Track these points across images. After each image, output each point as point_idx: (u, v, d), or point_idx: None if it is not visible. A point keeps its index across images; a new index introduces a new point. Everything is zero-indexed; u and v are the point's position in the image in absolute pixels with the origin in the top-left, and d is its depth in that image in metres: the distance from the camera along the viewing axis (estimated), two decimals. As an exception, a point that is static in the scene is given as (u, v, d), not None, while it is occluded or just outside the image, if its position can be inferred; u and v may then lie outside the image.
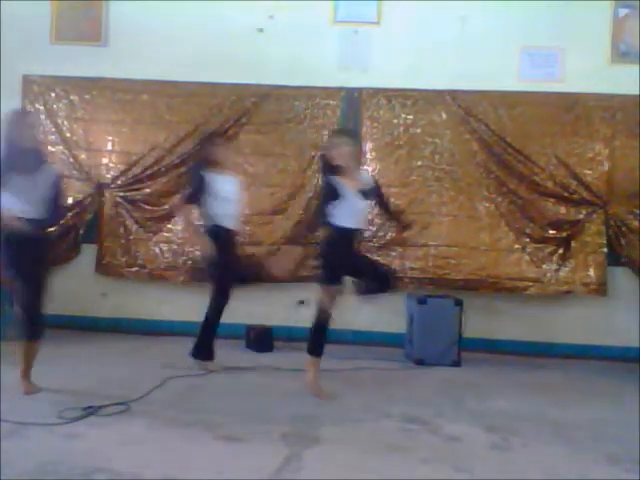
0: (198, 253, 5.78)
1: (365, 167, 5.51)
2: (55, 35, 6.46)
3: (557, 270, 6.14)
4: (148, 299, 6.42)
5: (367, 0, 6.27)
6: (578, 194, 6.11)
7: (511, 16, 6.18)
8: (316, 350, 4.63)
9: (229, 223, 5.14)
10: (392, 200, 6.23)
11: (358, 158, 4.87)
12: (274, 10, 6.31)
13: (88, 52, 6.42)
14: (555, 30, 6.13)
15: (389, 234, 6.24)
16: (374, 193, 4.74)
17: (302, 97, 6.31)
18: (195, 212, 5.25)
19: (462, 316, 5.73)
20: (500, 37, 6.19)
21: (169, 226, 6.43)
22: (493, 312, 6.19)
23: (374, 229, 6.23)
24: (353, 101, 6.32)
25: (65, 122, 6.46)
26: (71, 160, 6.44)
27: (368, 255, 5.86)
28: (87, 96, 6.44)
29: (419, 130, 6.26)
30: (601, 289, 6.11)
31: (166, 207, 6.42)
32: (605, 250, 6.11)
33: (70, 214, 6.43)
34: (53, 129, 6.45)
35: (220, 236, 5.07)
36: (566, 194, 6.13)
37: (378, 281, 4.79)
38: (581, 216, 6.13)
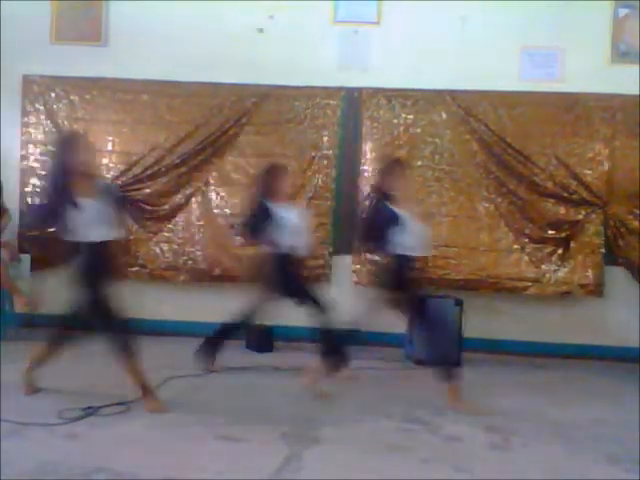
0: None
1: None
2: (55, 35, 6.46)
3: (556, 271, 6.14)
4: (148, 299, 6.41)
5: (367, 0, 6.28)
6: (578, 194, 6.11)
7: (511, 16, 6.18)
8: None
9: (295, 251, 5.00)
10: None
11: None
12: (274, 10, 6.31)
13: (88, 52, 6.42)
14: (555, 30, 6.12)
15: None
16: None
17: (302, 97, 6.31)
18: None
19: (462, 316, 5.73)
20: (500, 37, 6.19)
21: (169, 226, 6.43)
22: (493, 312, 6.19)
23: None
24: (353, 101, 6.32)
25: (65, 122, 6.45)
26: (71, 160, 6.44)
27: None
28: (87, 96, 6.43)
29: (419, 130, 6.26)
30: (598, 290, 6.12)
31: (166, 207, 6.42)
32: (603, 251, 6.11)
33: (70, 214, 6.44)
34: (53, 129, 6.45)
35: (284, 263, 4.98)
36: (566, 194, 6.13)
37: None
38: (580, 216, 6.13)
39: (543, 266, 6.16)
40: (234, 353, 5.75)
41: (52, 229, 4.17)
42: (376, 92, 6.28)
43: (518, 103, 6.17)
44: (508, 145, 6.14)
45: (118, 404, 4.06)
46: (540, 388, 5.09)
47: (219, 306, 6.33)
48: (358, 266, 6.28)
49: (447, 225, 6.23)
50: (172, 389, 4.54)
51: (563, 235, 6.16)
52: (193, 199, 6.42)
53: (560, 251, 6.16)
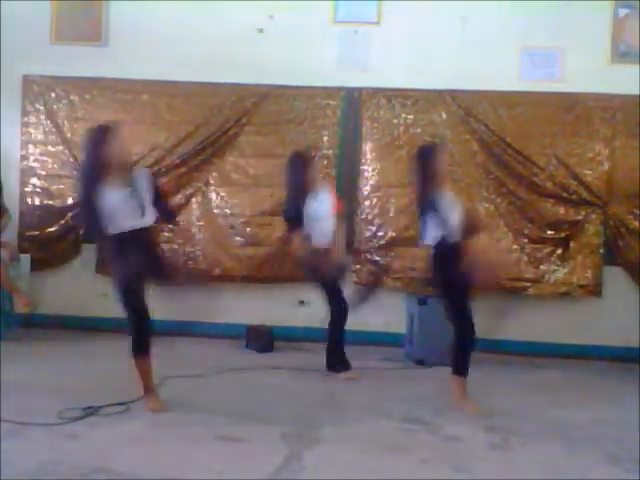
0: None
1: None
2: (55, 35, 6.46)
3: (555, 271, 6.14)
4: (148, 299, 6.41)
5: (367, 0, 6.28)
6: (577, 195, 6.11)
7: (511, 16, 6.18)
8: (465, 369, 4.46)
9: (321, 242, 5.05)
10: (392, 201, 6.28)
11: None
12: (274, 10, 6.31)
13: (88, 52, 6.42)
14: (555, 30, 6.13)
15: (389, 234, 6.25)
16: None
17: (302, 97, 6.31)
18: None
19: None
20: (500, 37, 6.19)
21: (170, 226, 6.43)
22: (493, 312, 6.18)
23: (374, 229, 6.24)
24: (353, 101, 6.32)
25: (65, 122, 6.46)
26: (71, 160, 6.44)
27: None
28: (87, 96, 6.44)
29: (419, 130, 6.26)
30: (597, 290, 6.13)
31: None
32: (602, 251, 6.12)
33: (70, 214, 6.44)
34: (53, 129, 6.45)
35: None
36: (565, 195, 6.13)
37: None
38: (580, 217, 6.14)
39: (542, 266, 6.16)
40: (234, 353, 5.76)
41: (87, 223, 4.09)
42: (376, 92, 6.28)
43: (518, 103, 6.17)
44: (508, 145, 6.15)
45: (118, 404, 4.05)
46: (540, 388, 5.09)
47: (219, 306, 6.38)
48: (358, 266, 6.28)
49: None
50: (172, 389, 4.54)
51: (562, 235, 6.16)
52: (193, 199, 6.42)
53: (559, 251, 6.16)
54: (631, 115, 6.05)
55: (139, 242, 4.05)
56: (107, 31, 6.45)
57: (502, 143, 6.14)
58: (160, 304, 6.35)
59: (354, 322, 5.99)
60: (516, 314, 6.19)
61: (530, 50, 6.18)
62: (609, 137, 6.10)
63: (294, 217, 5.07)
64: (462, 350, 4.46)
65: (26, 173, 6.50)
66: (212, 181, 6.42)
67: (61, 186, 6.48)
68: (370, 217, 6.16)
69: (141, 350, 4.15)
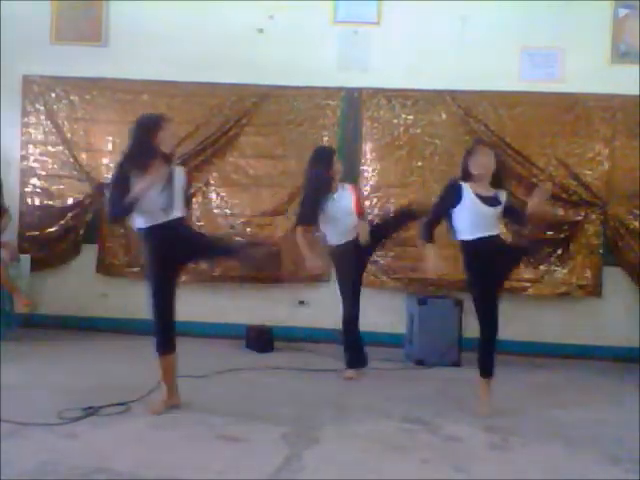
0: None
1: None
2: (55, 35, 6.46)
3: (554, 271, 6.14)
4: (148, 299, 6.41)
5: (367, 0, 6.28)
6: (577, 195, 6.11)
7: (511, 16, 6.18)
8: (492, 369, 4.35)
9: (342, 239, 5.06)
10: (392, 201, 6.28)
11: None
12: (274, 10, 6.31)
13: (88, 52, 6.42)
14: (555, 30, 6.12)
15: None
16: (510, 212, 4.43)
17: (302, 97, 6.31)
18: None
19: (462, 316, 5.73)
20: (500, 37, 6.19)
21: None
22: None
23: (374, 229, 6.23)
24: (353, 101, 6.32)
25: (65, 122, 6.46)
26: (71, 160, 6.45)
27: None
28: (87, 96, 6.43)
29: (419, 130, 6.26)
30: (596, 291, 6.13)
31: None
32: (601, 251, 6.12)
33: (70, 214, 6.45)
34: (53, 129, 6.45)
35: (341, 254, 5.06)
36: (565, 195, 6.13)
37: None
38: (580, 217, 6.13)
39: (542, 267, 6.16)
40: (234, 353, 5.76)
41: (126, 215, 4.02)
42: (376, 92, 6.28)
43: (518, 103, 6.17)
44: (508, 145, 6.14)
45: (118, 404, 4.05)
46: (540, 388, 5.09)
47: (220, 306, 6.38)
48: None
49: (447, 226, 6.19)
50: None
51: (562, 236, 6.16)
52: (193, 199, 6.41)
53: (559, 252, 6.16)
54: (631, 115, 6.04)
55: (173, 234, 3.99)
56: (107, 31, 6.45)
57: (502, 143, 6.13)
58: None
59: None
60: (516, 314, 6.19)
61: (530, 50, 6.18)
62: (609, 137, 6.09)
63: (309, 216, 5.08)
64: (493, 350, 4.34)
65: (26, 173, 6.50)
66: (212, 181, 6.42)
67: (61, 186, 6.48)
68: (370, 217, 6.14)
69: (164, 349, 4.07)
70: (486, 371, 4.33)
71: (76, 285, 6.45)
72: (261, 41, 6.33)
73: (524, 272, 6.13)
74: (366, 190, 6.28)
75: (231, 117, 6.32)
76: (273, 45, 6.31)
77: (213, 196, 6.41)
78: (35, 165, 6.50)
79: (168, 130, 4.04)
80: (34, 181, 6.50)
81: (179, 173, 4.15)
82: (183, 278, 6.33)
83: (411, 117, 6.27)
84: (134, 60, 6.33)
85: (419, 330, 5.73)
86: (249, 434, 3.72)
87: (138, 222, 4.00)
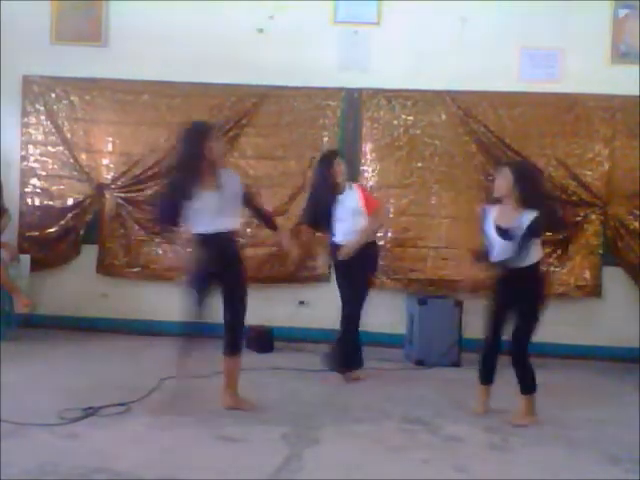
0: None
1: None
2: (55, 35, 6.45)
3: (553, 272, 6.13)
4: (148, 300, 6.42)
5: (367, 0, 6.27)
6: (577, 195, 6.11)
7: (511, 16, 6.17)
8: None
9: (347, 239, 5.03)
10: (392, 202, 6.28)
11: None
12: (274, 10, 6.30)
13: (88, 52, 6.42)
14: (555, 30, 6.12)
15: (388, 235, 6.25)
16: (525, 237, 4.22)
17: (302, 98, 6.31)
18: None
19: (462, 317, 5.73)
20: (500, 37, 6.18)
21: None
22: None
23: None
24: (353, 102, 6.32)
25: (65, 123, 6.45)
26: (71, 161, 6.44)
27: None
28: (87, 97, 6.43)
29: (419, 131, 6.25)
30: (595, 291, 6.13)
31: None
32: (601, 251, 6.12)
33: (70, 214, 6.45)
34: (53, 130, 6.45)
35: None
36: (564, 196, 6.13)
37: None
38: (579, 218, 6.12)
39: (541, 267, 6.14)
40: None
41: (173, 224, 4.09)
42: (376, 93, 6.28)
43: (518, 103, 6.17)
44: (507, 146, 6.14)
45: (118, 404, 4.05)
46: (540, 388, 5.07)
47: (220, 306, 6.37)
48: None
49: (446, 226, 6.23)
50: (172, 389, 4.53)
51: (562, 236, 6.15)
52: (193, 199, 6.41)
53: (559, 252, 6.15)
54: (631, 115, 6.04)
55: (218, 245, 4.03)
56: (107, 31, 6.45)
57: (501, 144, 6.13)
58: (162, 305, 6.40)
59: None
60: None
61: (530, 50, 6.18)
62: (609, 137, 6.09)
63: (308, 216, 5.14)
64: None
65: (26, 173, 6.49)
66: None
67: (61, 187, 6.48)
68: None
69: (232, 350, 4.19)
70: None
71: (76, 285, 6.45)
72: (261, 41, 6.33)
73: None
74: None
75: (231, 117, 6.32)
76: (273, 45, 6.30)
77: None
78: (35, 165, 6.49)
79: (217, 138, 4.13)
80: (34, 181, 6.49)
81: (232, 180, 4.14)
82: (183, 278, 6.37)
83: (411, 118, 6.26)
84: (134, 60, 6.33)
85: (419, 330, 5.73)
86: (249, 434, 3.73)
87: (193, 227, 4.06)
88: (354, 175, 6.26)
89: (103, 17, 6.42)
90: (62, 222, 6.45)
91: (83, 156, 6.45)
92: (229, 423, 3.89)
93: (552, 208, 5.52)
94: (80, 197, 6.45)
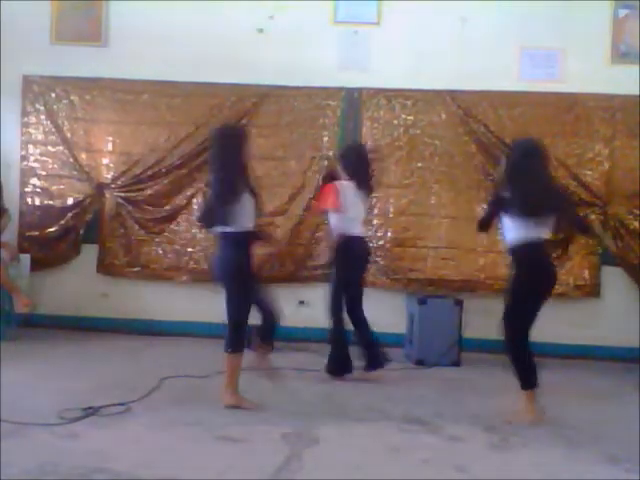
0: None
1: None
2: (55, 35, 6.45)
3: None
4: (148, 299, 6.42)
5: (367, 0, 6.28)
6: (577, 195, 6.10)
7: (511, 16, 6.17)
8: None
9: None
10: (392, 201, 6.28)
11: None
12: (274, 10, 6.31)
13: (88, 52, 6.42)
14: (555, 30, 6.13)
15: (388, 235, 6.25)
16: None
17: (302, 97, 6.31)
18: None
19: (462, 316, 5.73)
20: (500, 37, 6.19)
21: (171, 227, 6.43)
22: (492, 313, 6.16)
23: (373, 229, 6.23)
24: (353, 101, 6.32)
25: (65, 122, 6.45)
26: (71, 160, 6.45)
27: None
28: (87, 96, 6.43)
29: (419, 131, 6.26)
30: (594, 291, 6.14)
31: (168, 208, 6.43)
32: (600, 251, 6.12)
33: (70, 214, 6.45)
34: (53, 129, 6.45)
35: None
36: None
37: None
38: (579, 218, 6.13)
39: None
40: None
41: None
42: (376, 92, 6.28)
43: (518, 103, 6.17)
44: (507, 146, 6.12)
45: (118, 404, 4.05)
46: (540, 388, 5.08)
47: (220, 306, 6.37)
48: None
49: (446, 226, 6.23)
50: (172, 389, 4.54)
51: (561, 236, 6.15)
52: (194, 200, 6.41)
53: (558, 252, 6.15)
54: (631, 115, 6.05)
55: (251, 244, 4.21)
56: (107, 31, 6.45)
57: (501, 144, 6.13)
58: (162, 305, 6.41)
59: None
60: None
61: (530, 50, 6.18)
62: (609, 137, 6.10)
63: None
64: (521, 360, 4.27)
65: (26, 173, 6.50)
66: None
67: (61, 186, 6.48)
68: (369, 217, 6.14)
69: (234, 348, 4.18)
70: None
71: (76, 285, 6.45)
72: (261, 41, 6.33)
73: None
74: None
75: (231, 117, 6.31)
76: (273, 45, 6.30)
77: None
78: (35, 165, 6.50)
79: (248, 141, 4.31)
80: (34, 181, 6.50)
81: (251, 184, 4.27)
82: (184, 278, 6.39)
83: (411, 117, 6.27)
84: (134, 60, 6.33)
85: (419, 330, 5.73)
86: (249, 434, 3.72)
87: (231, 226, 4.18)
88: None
89: (103, 17, 6.42)
90: (62, 222, 6.45)
91: (83, 156, 6.45)
92: (229, 423, 3.89)
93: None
94: (80, 197, 6.45)
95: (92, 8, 6.42)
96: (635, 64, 6.06)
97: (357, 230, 5.06)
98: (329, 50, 6.31)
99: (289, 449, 3.53)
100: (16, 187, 6.45)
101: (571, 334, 6.16)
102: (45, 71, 6.42)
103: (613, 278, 6.17)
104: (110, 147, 6.44)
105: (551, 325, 6.18)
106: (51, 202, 6.48)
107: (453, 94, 6.21)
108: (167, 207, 6.43)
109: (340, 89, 6.31)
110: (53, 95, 6.46)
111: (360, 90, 6.30)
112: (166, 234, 6.42)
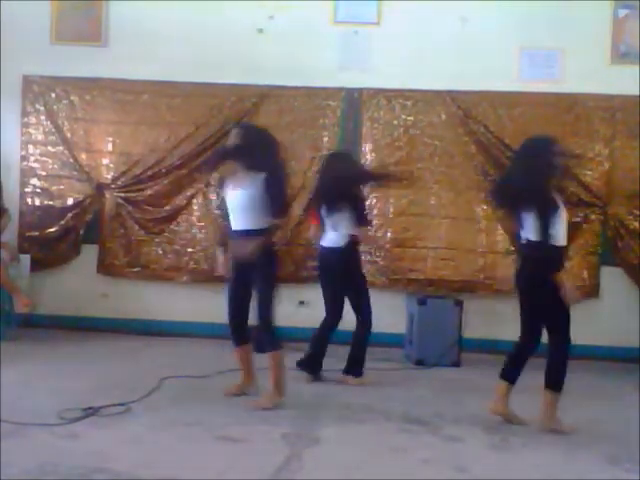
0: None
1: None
2: (55, 35, 6.45)
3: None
4: (148, 300, 6.42)
5: (367, 0, 6.28)
6: (576, 195, 6.10)
7: (511, 16, 6.17)
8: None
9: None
10: (391, 202, 6.28)
11: None
12: (274, 10, 6.31)
13: (88, 52, 6.42)
14: (555, 30, 6.13)
15: (388, 235, 6.25)
16: None
17: (302, 98, 6.31)
18: None
19: (462, 316, 5.73)
20: (500, 37, 6.19)
21: (171, 227, 6.43)
22: (492, 313, 6.18)
23: (372, 230, 6.22)
24: (353, 102, 6.32)
25: (65, 122, 6.45)
26: (71, 161, 6.44)
27: None
28: (87, 96, 6.43)
29: (419, 131, 6.26)
30: (593, 291, 6.15)
31: (168, 208, 6.43)
32: (600, 252, 6.12)
33: (70, 214, 6.45)
34: (53, 130, 6.45)
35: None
36: (564, 196, 6.12)
37: None
38: (579, 218, 6.12)
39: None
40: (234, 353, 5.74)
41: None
42: (376, 93, 6.28)
43: (518, 103, 6.17)
44: (507, 147, 6.13)
45: (118, 404, 4.05)
46: (540, 388, 5.07)
47: (220, 306, 6.37)
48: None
49: (446, 227, 6.23)
50: (172, 389, 4.54)
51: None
52: (194, 200, 6.42)
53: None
54: (631, 115, 6.05)
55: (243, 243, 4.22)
56: (107, 31, 6.45)
57: (501, 145, 6.14)
58: (162, 305, 6.41)
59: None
60: (516, 315, 6.18)
61: (530, 50, 6.18)
62: (609, 137, 6.10)
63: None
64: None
65: (26, 173, 6.49)
66: (213, 182, 6.41)
67: (61, 186, 6.48)
68: (369, 218, 6.14)
69: (274, 347, 4.35)
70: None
71: (76, 285, 6.45)
72: (261, 41, 6.33)
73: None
74: (366, 191, 6.27)
75: (231, 117, 6.31)
76: (273, 45, 6.30)
77: (214, 197, 6.40)
78: (35, 165, 6.49)
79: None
80: (34, 181, 6.49)
81: (263, 181, 4.21)
82: (184, 278, 6.39)
83: (411, 118, 6.27)
84: (134, 60, 6.33)
85: (419, 330, 5.73)
86: (249, 434, 3.72)
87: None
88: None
89: (103, 17, 6.42)
90: (62, 222, 6.45)
91: (83, 156, 6.45)
92: (229, 423, 3.89)
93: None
94: (80, 197, 6.45)
95: (92, 8, 6.42)
96: (635, 64, 6.07)
97: (325, 241, 5.06)
98: (329, 50, 6.31)
99: (289, 449, 3.53)
100: (16, 187, 6.45)
101: (572, 334, 6.14)
102: (45, 71, 6.42)
103: (612, 278, 6.17)
104: (110, 147, 6.43)
105: (551, 325, 6.21)
106: (51, 202, 6.48)
107: (453, 94, 6.21)
108: (167, 207, 6.43)
109: (340, 89, 6.31)
110: (53, 95, 6.45)
111: (360, 90, 6.30)
112: (166, 234, 6.42)
